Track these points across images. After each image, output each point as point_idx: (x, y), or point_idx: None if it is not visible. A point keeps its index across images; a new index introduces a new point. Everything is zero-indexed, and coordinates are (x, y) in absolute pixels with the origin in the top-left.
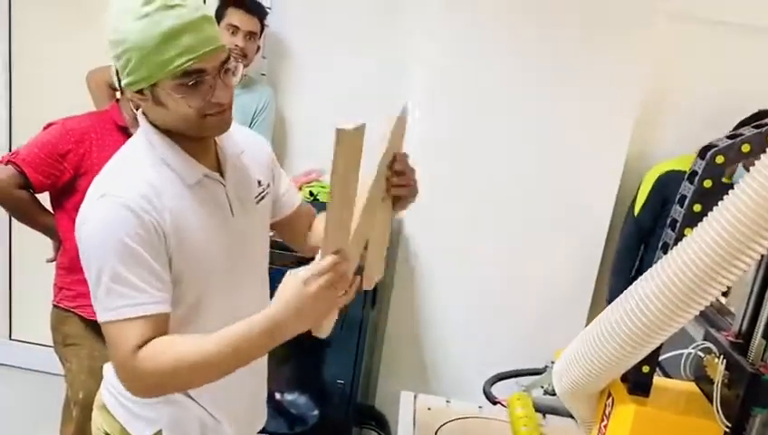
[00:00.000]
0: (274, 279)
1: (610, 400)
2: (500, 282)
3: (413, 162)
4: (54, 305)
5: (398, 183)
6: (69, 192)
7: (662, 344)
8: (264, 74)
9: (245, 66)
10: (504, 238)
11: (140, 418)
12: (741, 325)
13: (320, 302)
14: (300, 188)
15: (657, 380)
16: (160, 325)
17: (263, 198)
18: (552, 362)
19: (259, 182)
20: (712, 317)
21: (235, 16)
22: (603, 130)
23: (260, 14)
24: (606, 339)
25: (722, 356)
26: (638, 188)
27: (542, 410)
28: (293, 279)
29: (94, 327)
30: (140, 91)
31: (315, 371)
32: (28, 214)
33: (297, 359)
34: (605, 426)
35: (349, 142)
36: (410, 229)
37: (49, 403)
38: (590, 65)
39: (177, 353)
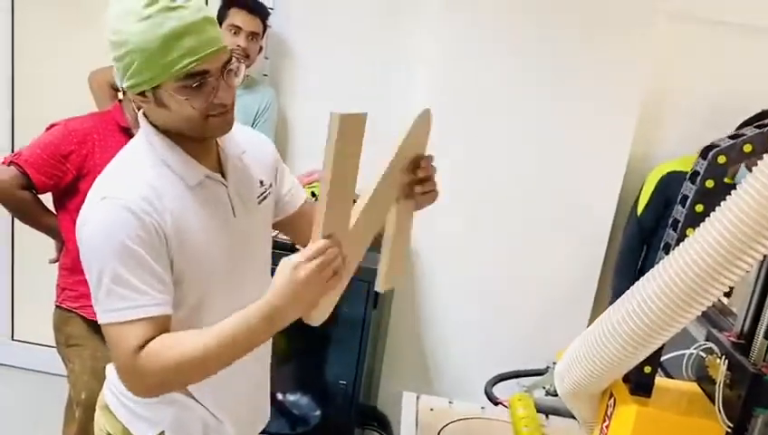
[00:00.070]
0: None
1: (612, 400)
2: (502, 282)
3: None
4: (57, 306)
5: (423, 190)
6: (71, 193)
7: (664, 345)
8: (266, 75)
9: (248, 67)
10: (507, 239)
11: (143, 418)
12: (743, 326)
13: (310, 286)
14: None
15: (659, 380)
16: (161, 327)
17: (265, 197)
18: (554, 363)
19: (261, 182)
20: (714, 318)
21: (237, 17)
22: (604, 130)
23: (262, 14)
24: (608, 339)
25: (724, 357)
26: (641, 189)
27: (544, 410)
28: (285, 264)
29: (97, 328)
30: (142, 93)
31: (317, 371)
32: (31, 215)
33: (299, 359)
34: (607, 426)
35: (342, 128)
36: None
37: (51, 404)
38: (591, 65)
39: (178, 350)
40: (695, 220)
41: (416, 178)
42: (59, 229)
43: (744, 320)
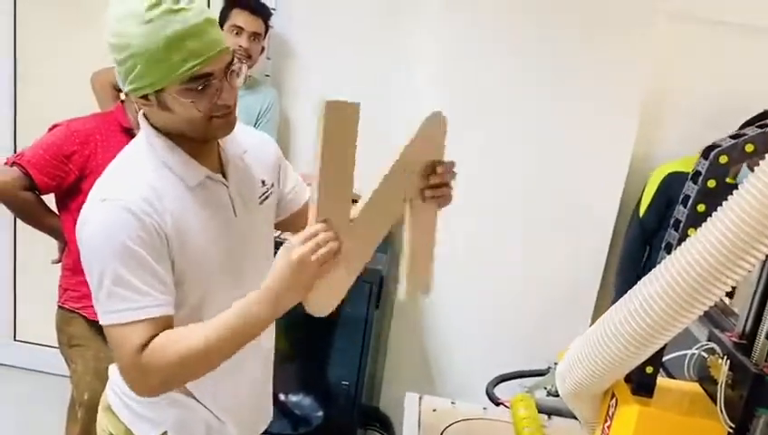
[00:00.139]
0: None
1: (614, 400)
2: (504, 283)
3: None
4: (59, 306)
5: (432, 194)
6: (74, 193)
7: (666, 345)
8: (268, 75)
9: (250, 67)
10: (508, 239)
11: (145, 419)
12: (745, 326)
13: (304, 267)
14: None
15: (661, 380)
16: (163, 327)
17: (266, 197)
18: (556, 364)
19: (263, 182)
20: (716, 318)
21: (239, 17)
22: (605, 130)
23: (264, 15)
24: (610, 339)
25: (725, 357)
26: (643, 190)
27: (546, 411)
28: (283, 248)
29: (99, 328)
30: (145, 96)
31: (320, 372)
32: (33, 215)
33: (302, 360)
34: (608, 427)
35: (329, 113)
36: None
37: (54, 405)
38: (591, 65)
39: (184, 344)
40: (696, 220)
41: (429, 184)
42: (61, 230)
43: (746, 320)
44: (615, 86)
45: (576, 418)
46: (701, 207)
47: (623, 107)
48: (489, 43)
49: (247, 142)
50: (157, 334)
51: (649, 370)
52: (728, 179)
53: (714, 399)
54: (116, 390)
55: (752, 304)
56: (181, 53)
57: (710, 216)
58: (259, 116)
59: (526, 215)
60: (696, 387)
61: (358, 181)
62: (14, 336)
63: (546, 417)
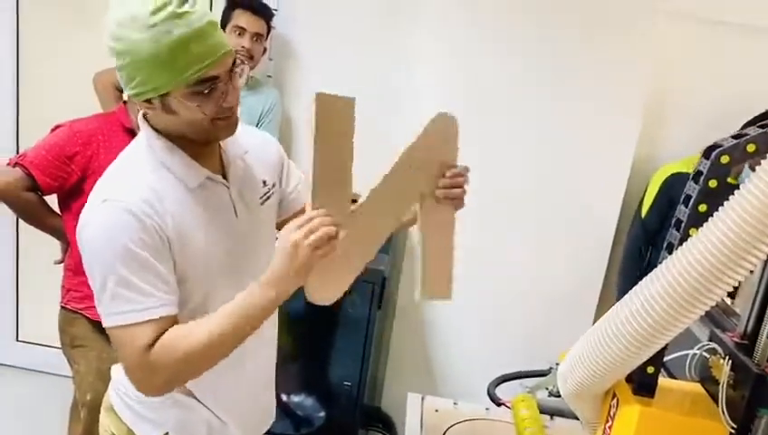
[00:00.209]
0: None
1: (615, 400)
2: (505, 283)
3: None
4: (62, 307)
5: (443, 194)
6: (76, 194)
7: (667, 345)
8: (270, 76)
9: (252, 68)
10: (510, 240)
11: (147, 420)
12: (746, 326)
13: (298, 252)
14: None
15: (662, 380)
16: (168, 327)
17: (268, 198)
18: (557, 364)
19: (264, 182)
20: (717, 318)
21: (241, 18)
22: (607, 131)
23: (266, 15)
24: (611, 339)
25: (727, 357)
26: (645, 191)
27: (547, 411)
28: (280, 234)
29: (102, 329)
30: (148, 100)
31: (322, 372)
32: (36, 216)
33: (303, 360)
34: (610, 427)
35: (321, 106)
36: (415, 230)
37: (56, 405)
38: (591, 65)
39: (186, 344)
40: (698, 220)
41: (439, 184)
42: (64, 230)
43: (748, 320)
44: (616, 86)
45: (578, 418)
46: (702, 207)
47: (625, 107)
48: (489, 44)
49: (249, 143)
50: (162, 334)
51: (651, 370)
52: (730, 179)
53: (715, 399)
54: (118, 390)
55: (753, 304)
56: (187, 57)
57: (711, 216)
58: (261, 117)
59: (528, 215)
60: (697, 387)
61: (358, 181)
62: (17, 337)
63: (549, 417)
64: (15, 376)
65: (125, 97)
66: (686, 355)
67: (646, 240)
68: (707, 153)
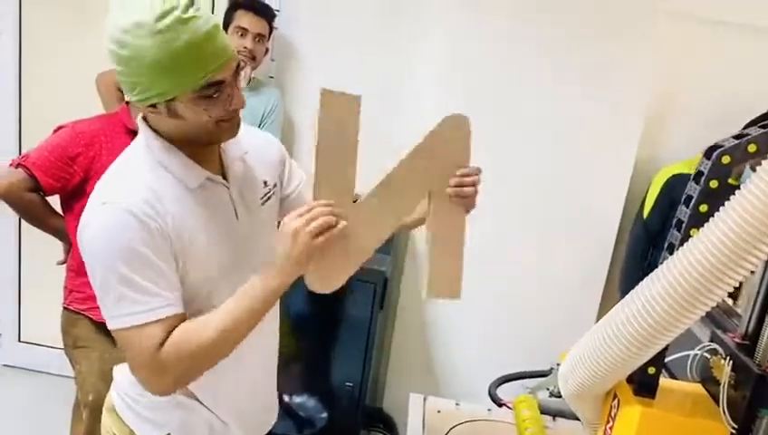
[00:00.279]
0: None
1: (616, 401)
2: (507, 284)
3: None
4: (65, 308)
5: (453, 193)
6: (79, 195)
7: (668, 346)
8: (272, 77)
9: (254, 69)
10: (511, 240)
11: (149, 421)
12: (747, 327)
13: (297, 239)
14: None
15: (663, 381)
16: (175, 325)
17: (269, 198)
18: (558, 365)
19: (265, 183)
20: (718, 318)
21: (244, 19)
22: (608, 131)
23: (269, 16)
24: (612, 340)
25: (728, 357)
26: (647, 191)
27: (548, 412)
28: (283, 220)
29: (104, 330)
30: (153, 105)
31: (324, 373)
32: (38, 217)
33: (305, 361)
34: (611, 428)
35: (329, 103)
36: (417, 231)
37: (58, 405)
38: (592, 66)
39: (193, 342)
40: (699, 220)
41: (450, 183)
42: (66, 231)
43: (749, 321)
44: (618, 87)
45: (579, 419)
46: (703, 208)
47: (627, 108)
48: (491, 44)
49: (250, 143)
50: (170, 333)
51: (652, 370)
52: (731, 180)
53: (716, 400)
54: (120, 391)
55: (755, 304)
56: (194, 62)
57: (712, 216)
58: (263, 117)
59: (530, 216)
60: (698, 388)
61: (359, 181)
62: (19, 337)
63: (551, 418)
64: (18, 377)
65: (127, 98)
66: (687, 356)
67: (647, 241)
68: (708, 153)
